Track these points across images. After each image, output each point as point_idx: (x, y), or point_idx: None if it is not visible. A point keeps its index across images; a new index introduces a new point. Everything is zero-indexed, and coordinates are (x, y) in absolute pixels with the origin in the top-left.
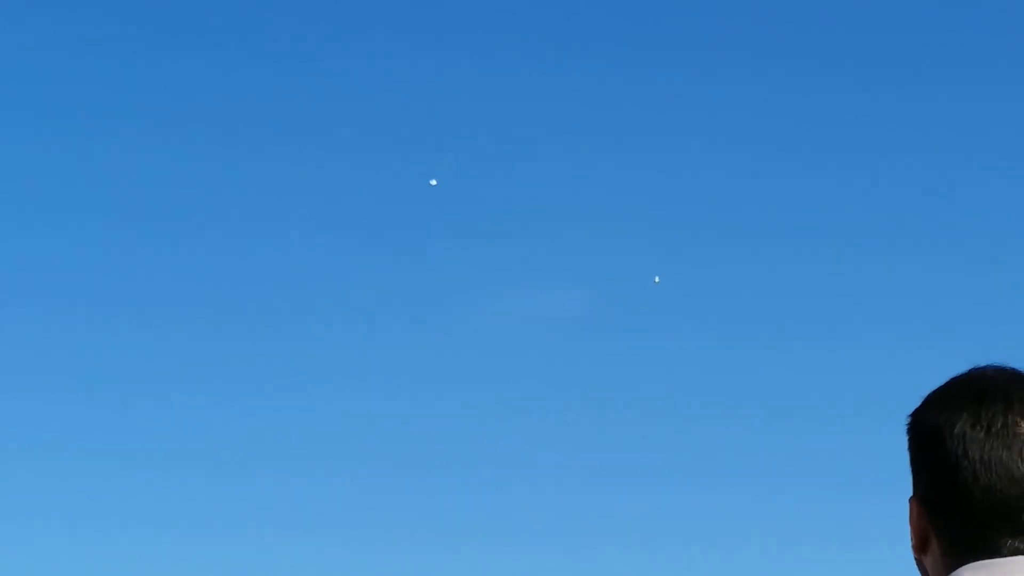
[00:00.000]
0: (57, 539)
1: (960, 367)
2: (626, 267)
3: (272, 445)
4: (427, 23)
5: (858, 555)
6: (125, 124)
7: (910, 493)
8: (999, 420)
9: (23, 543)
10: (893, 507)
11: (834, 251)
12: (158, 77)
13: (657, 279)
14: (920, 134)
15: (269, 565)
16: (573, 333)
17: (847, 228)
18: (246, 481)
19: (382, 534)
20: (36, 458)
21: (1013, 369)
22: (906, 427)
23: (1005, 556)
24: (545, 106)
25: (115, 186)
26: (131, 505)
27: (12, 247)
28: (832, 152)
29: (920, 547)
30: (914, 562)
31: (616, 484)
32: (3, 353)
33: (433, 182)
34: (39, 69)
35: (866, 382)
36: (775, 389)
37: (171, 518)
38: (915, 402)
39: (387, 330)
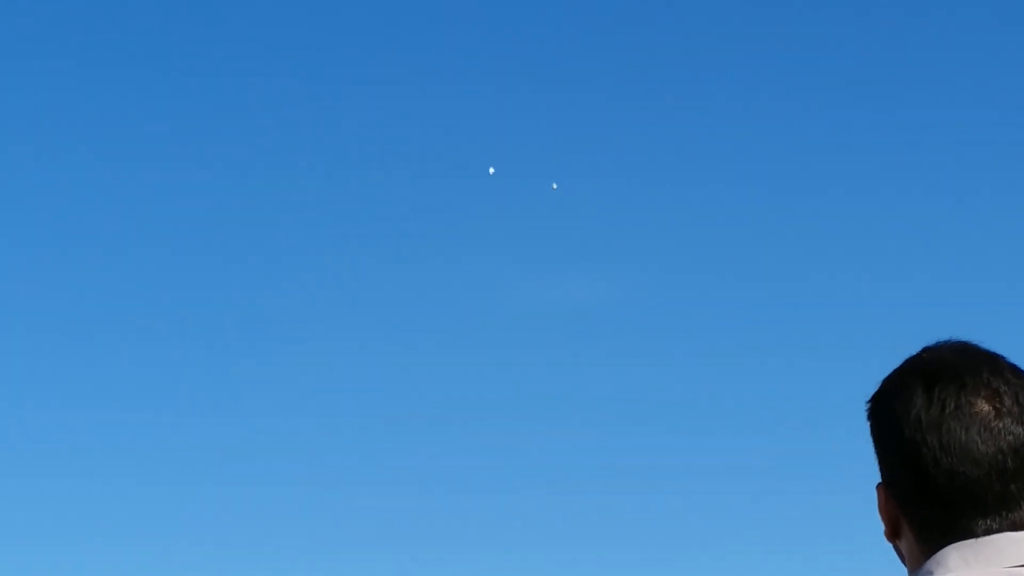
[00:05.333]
0: (51, 549)
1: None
2: (653, 256)
3: (286, 450)
4: (452, 20)
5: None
6: (127, 124)
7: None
8: (952, 402)
9: (18, 554)
10: None
11: (850, 252)
12: (166, 81)
13: (555, 186)
14: (925, 139)
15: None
16: (597, 323)
17: (866, 233)
18: (260, 490)
19: (393, 538)
20: (30, 468)
21: (966, 345)
22: (866, 413)
23: (981, 537)
24: (569, 95)
25: (111, 192)
26: (129, 514)
27: (5, 253)
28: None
29: (892, 533)
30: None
31: (641, 483)
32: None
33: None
34: (30, 79)
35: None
36: (808, 389)
37: (178, 527)
38: None
39: (408, 323)
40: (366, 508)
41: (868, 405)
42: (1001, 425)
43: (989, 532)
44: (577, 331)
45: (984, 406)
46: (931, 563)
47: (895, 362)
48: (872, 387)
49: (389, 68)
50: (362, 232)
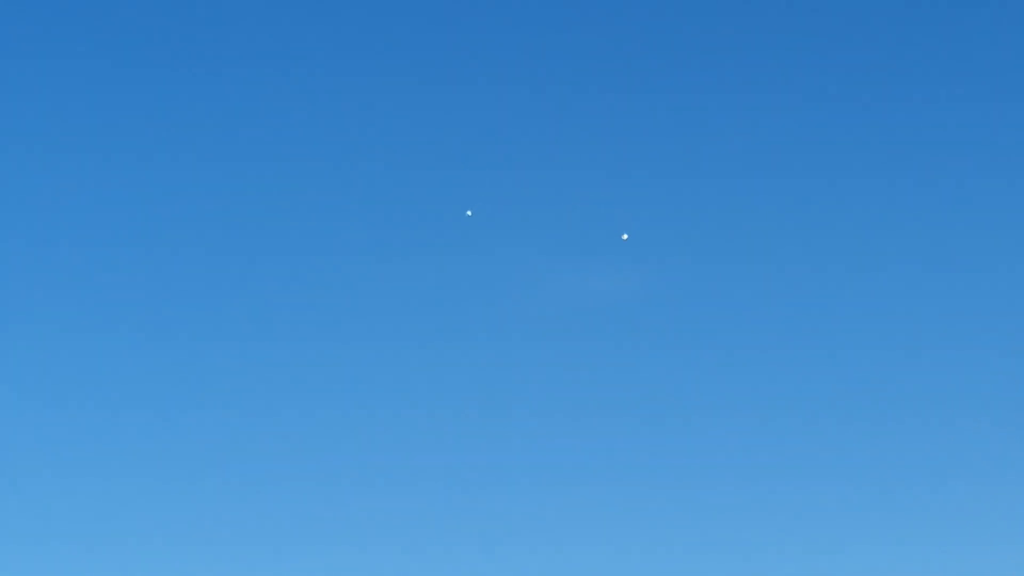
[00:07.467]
0: (51, 548)
1: (964, 367)
2: (688, 249)
3: (286, 451)
4: (480, 19)
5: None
6: (122, 127)
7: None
8: None
9: (19, 554)
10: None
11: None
12: (164, 80)
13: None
14: (926, 134)
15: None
16: (630, 317)
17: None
18: (260, 490)
19: (398, 538)
20: (31, 468)
21: None
22: None
23: None
24: (603, 93)
25: (110, 191)
26: (129, 514)
27: (9, 258)
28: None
29: None
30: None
31: (675, 477)
32: (11, 365)
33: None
34: (31, 79)
35: (981, 381)
36: (841, 379)
37: (178, 527)
38: None
39: (434, 314)
40: (376, 507)
41: None
42: None
43: None
44: (604, 323)
45: None
46: None
47: (925, 357)
48: (902, 379)
49: (419, 66)
50: (387, 229)
